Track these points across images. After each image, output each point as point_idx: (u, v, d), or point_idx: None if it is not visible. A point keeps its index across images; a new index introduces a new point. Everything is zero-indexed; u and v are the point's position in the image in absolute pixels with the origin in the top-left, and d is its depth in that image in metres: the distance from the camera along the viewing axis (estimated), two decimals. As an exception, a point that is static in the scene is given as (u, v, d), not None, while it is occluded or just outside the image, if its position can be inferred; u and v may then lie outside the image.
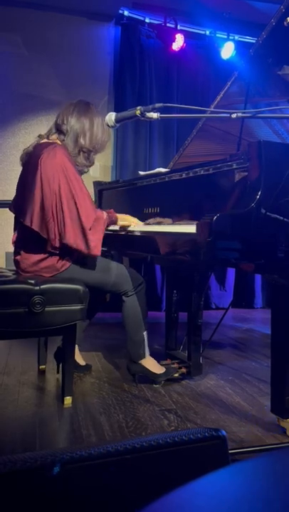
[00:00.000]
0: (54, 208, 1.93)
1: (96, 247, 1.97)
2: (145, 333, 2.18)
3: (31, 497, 0.53)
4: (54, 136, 2.09)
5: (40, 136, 2.14)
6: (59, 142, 2.06)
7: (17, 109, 4.06)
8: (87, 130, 2.07)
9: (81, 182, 2.00)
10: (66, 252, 2.02)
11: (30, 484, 0.53)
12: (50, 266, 2.02)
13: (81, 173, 2.12)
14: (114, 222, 2.15)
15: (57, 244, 1.96)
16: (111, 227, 2.21)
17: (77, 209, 1.94)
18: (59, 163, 1.93)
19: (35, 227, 1.94)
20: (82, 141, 2.07)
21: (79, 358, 2.40)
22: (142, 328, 2.17)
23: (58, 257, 2.02)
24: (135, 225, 2.18)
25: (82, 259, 2.08)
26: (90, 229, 1.96)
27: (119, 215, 2.18)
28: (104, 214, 2.07)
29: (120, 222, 2.17)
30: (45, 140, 2.09)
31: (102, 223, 2.03)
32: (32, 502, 0.53)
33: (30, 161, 2.02)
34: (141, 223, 2.22)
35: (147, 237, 2.01)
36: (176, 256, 1.76)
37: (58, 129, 2.09)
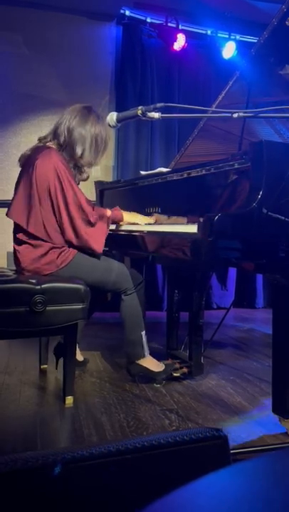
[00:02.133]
0: (51, 208, 2.01)
1: (95, 242, 2.03)
2: (143, 332, 2.18)
3: (32, 497, 0.53)
4: (51, 144, 2.13)
5: (39, 140, 2.19)
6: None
7: (18, 108, 4.06)
8: (82, 144, 2.09)
9: (73, 182, 2.05)
10: (66, 247, 2.07)
11: (31, 484, 0.53)
12: (51, 262, 2.03)
13: (78, 182, 2.18)
14: (120, 220, 2.19)
15: (57, 242, 2.03)
16: (113, 227, 2.23)
17: (69, 209, 2.00)
18: (52, 165, 2.00)
19: (32, 230, 2.01)
20: (77, 156, 2.11)
21: (77, 355, 2.40)
22: (139, 328, 2.17)
23: (58, 253, 2.04)
24: (144, 224, 2.20)
25: (83, 258, 2.10)
26: (88, 225, 2.02)
27: (126, 214, 2.22)
28: (108, 212, 2.14)
29: (126, 221, 2.20)
30: (42, 144, 2.15)
31: (105, 221, 2.09)
32: (33, 502, 0.53)
33: (27, 164, 2.08)
34: (151, 220, 2.21)
35: (149, 237, 2.01)
36: (178, 256, 1.76)
37: (56, 137, 2.12)
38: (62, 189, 1.99)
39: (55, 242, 2.02)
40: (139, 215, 2.24)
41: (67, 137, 2.09)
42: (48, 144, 2.13)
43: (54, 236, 2.02)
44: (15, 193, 2.11)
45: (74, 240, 2.02)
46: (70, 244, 2.05)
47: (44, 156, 2.02)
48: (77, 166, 2.15)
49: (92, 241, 2.03)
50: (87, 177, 2.26)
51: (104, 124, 2.12)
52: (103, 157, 2.25)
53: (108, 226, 2.11)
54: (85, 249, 2.07)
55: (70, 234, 2.01)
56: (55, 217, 2.01)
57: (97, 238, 2.04)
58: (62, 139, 2.10)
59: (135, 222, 2.20)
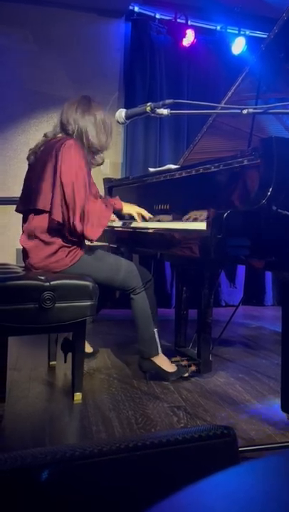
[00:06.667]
0: (71, 197, 1.97)
1: (93, 229, 1.99)
2: (156, 330, 2.18)
3: (40, 493, 0.53)
4: (60, 136, 2.12)
5: (45, 136, 2.17)
6: None
7: (27, 106, 4.07)
8: (92, 129, 2.10)
9: (88, 173, 2.07)
10: (75, 245, 2.06)
11: (39, 480, 0.53)
12: (60, 260, 2.04)
13: (94, 166, 2.25)
14: (120, 206, 2.24)
15: (76, 229, 1.98)
16: (118, 224, 2.24)
17: (76, 197, 1.97)
18: (73, 155, 1.98)
19: (57, 217, 1.97)
20: (89, 140, 2.10)
21: (86, 347, 2.40)
22: (151, 325, 2.17)
23: (67, 252, 2.04)
24: (139, 217, 2.27)
25: (92, 257, 2.10)
26: (90, 214, 1.99)
27: (125, 204, 2.26)
28: (109, 203, 2.18)
29: (125, 210, 2.27)
30: (53, 137, 2.13)
31: (108, 210, 2.11)
32: (42, 498, 0.53)
33: (43, 157, 2.05)
34: (148, 214, 2.28)
35: (157, 234, 2.00)
36: (186, 253, 1.76)
37: (64, 129, 2.12)
38: (79, 181, 1.97)
39: (73, 229, 1.99)
40: (137, 207, 2.29)
41: (75, 127, 2.09)
42: (57, 137, 2.11)
43: (71, 224, 1.98)
44: (35, 185, 2.05)
45: (78, 225, 1.96)
46: (76, 239, 2.03)
47: (64, 146, 1.99)
48: (91, 151, 2.16)
49: (90, 226, 1.98)
50: (103, 161, 2.30)
51: (105, 112, 2.18)
52: (114, 149, 2.27)
53: (108, 215, 2.09)
54: (79, 236, 2.03)
55: (76, 219, 1.96)
56: (71, 208, 1.97)
57: (95, 225, 1.99)
58: (70, 130, 2.09)
59: (131, 212, 2.26)
